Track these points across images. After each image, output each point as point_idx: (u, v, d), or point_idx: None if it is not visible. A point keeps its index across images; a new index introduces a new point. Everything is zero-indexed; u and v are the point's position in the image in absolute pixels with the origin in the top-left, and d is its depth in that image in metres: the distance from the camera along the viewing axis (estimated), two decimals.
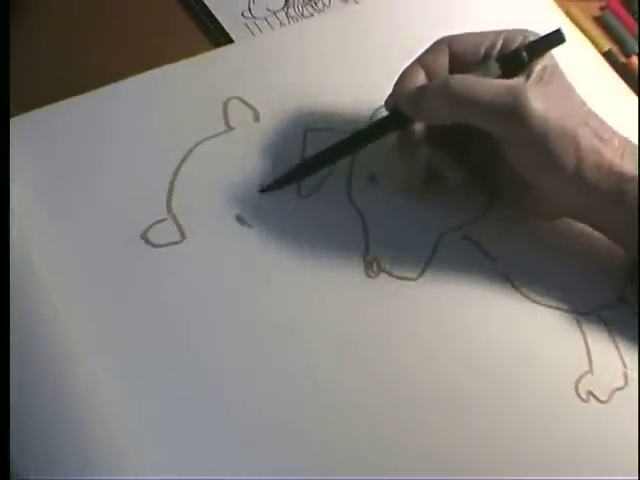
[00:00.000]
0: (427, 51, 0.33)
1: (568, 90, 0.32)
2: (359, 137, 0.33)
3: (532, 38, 0.32)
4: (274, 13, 0.40)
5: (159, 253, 0.30)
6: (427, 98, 0.30)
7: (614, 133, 0.31)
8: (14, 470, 0.24)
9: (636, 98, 0.44)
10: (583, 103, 0.32)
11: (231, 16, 0.39)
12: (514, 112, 0.29)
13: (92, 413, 0.26)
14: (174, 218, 0.31)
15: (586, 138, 0.30)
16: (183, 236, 0.31)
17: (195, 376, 0.28)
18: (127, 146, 0.32)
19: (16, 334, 0.26)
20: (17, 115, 0.32)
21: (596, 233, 0.34)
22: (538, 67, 0.31)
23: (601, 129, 0.31)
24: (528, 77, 0.30)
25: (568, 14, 0.46)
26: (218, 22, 0.39)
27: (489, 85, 0.30)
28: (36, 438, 0.25)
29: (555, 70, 0.31)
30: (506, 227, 0.35)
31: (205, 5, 0.39)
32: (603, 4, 0.49)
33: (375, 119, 0.36)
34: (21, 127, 0.31)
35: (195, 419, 0.27)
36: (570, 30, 0.45)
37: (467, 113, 0.30)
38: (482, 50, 0.32)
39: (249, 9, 0.40)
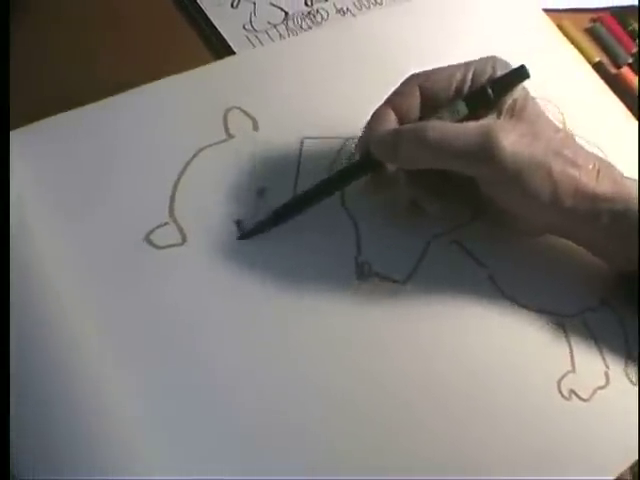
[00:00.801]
0: (396, 92, 0.33)
1: (540, 122, 0.32)
2: (329, 184, 0.33)
3: (500, 69, 0.32)
4: (274, 26, 0.42)
5: (161, 254, 0.31)
6: (402, 146, 0.30)
7: (589, 156, 0.32)
8: (14, 470, 0.24)
9: (624, 108, 0.45)
10: (557, 130, 0.33)
11: (233, 29, 0.40)
12: (486, 154, 0.29)
13: (93, 413, 0.26)
14: (176, 222, 0.32)
15: (559, 167, 0.30)
16: (184, 239, 0.32)
17: (194, 373, 0.29)
18: (132, 153, 0.33)
19: (19, 332, 0.26)
20: (19, 122, 0.32)
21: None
22: (508, 102, 0.31)
23: (575, 155, 0.31)
24: (499, 114, 0.31)
25: (560, 26, 0.47)
26: (220, 34, 0.40)
27: (462, 130, 0.30)
28: (36, 438, 0.25)
29: (526, 102, 0.32)
30: (494, 233, 0.36)
31: (208, 18, 0.41)
32: (594, 16, 0.51)
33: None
34: (29, 136, 0.32)
35: (195, 418, 0.28)
36: (561, 42, 0.46)
37: (442, 160, 0.31)
38: (453, 85, 0.32)
39: (250, 22, 0.41)
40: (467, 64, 0.32)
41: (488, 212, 0.35)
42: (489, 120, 0.31)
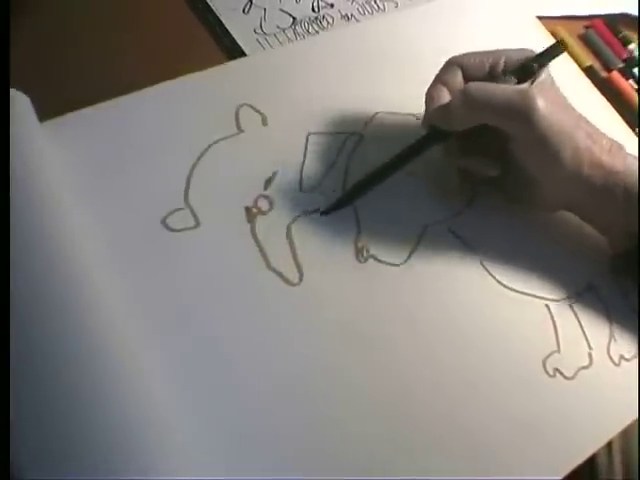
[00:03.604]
0: (443, 71, 0.37)
1: (563, 98, 0.36)
2: (404, 156, 0.37)
3: (529, 54, 0.36)
4: (283, 30, 0.44)
5: (176, 237, 0.33)
6: (452, 106, 0.35)
7: (602, 134, 0.35)
8: (14, 470, 0.24)
9: (613, 110, 0.47)
10: (574, 110, 0.36)
11: (244, 32, 0.43)
12: (523, 111, 0.33)
13: (98, 410, 0.26)
14: (190, 207, 0.34)
15: (581, 138, 0.34)
16: (198, 223, 0.34)
17: (207, 354, 0.31)
18: (151, 145, 0.36)
19: (22, 326, 0.27)
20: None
21: (565, 227, 0.38)
22: (540, 77, 0.35)
23: (592, 131, 0.35)
24: (532, 83, 0.35)
25: (553, 33, 0.50)
26: (233, 37, 0.43)
27: (502, 89, 0.34)
28: (36, 438, 0.25)
29: (552, 81, 0.36)
30: (486, 221, 0.39)
31: (221, 22, 0.43)
32: (587, 23, 0.53)
33: (372, 125, 0.40)
34: (58, 128, 0.35)
35: (207, 404, 0.30)
36: None
37: (484, 115, 0.34)
38: (487, 67, 0.36)
39: (261, 26, 0.44)
40: (501, 50, 0.37)
41: (512, 190, 0.38)
42: (526, 86, 0.35)
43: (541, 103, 0.33)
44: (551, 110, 0.33)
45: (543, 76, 0.35)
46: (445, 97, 0.36)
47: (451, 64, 0.37)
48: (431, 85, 0.37)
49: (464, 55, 0.37)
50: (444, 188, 0.39)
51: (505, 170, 0.37)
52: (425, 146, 0.37)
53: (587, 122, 0.35)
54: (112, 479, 0.25)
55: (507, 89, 0.34)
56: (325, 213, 0.36)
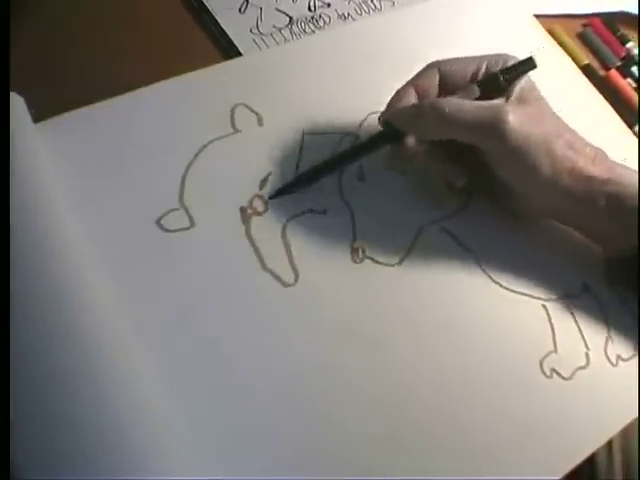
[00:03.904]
0: (419, 74, 0.36)
1: (544, 108, 0.35)
2: (355, 151, 0.37)
3: (510, 62, 0.35)
4: (279, 30, 0.44)
5: (171, 237, 0.33)
6: (421, 118, 0.34)
7: (586, 143, 0.35)
8: (14, 470, 0.24)
9: (612, 109, 0.47)
10: (558, 118, 0.35)
11: (240, 32, 0.43)
12: (494, 128, 0.33)
13: (97, 410, 0.26)
14: (185, 207, 0.34)
15: (560, 149, 0.34)
16: (193, 223, 0.34)
17: (203, 354, 0.31)
18: (146, 145, 0.36)
19: (22, 324, 0.27)
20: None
21: (562, 228, 0.38)
22: (516, 89, 0.34)
23: (574, 140, 0.34)
24: (507, 98, 0.34)
25: (550, 31, 0.50)
26: (229, 37, 0.42)
27: (473, 105, 0.33)
28: (36, 438, 0.25)
29: (532, 91, 0.35)
30: (482, 222, 0.38)
31: (218, 22, 0.43)
32: (585, 22, 0.53)
33: (366, 125, 0.40)
34: (53, 128, 0.35)
35: (205, 404, 0.30)
36: (551, 46, 0.49)
37: (454, 131, 0.34)
38: (469, 74, 0.36)
39: (257, 26, 0.44)
40: (482, 57, 0.36)
41: (492, 197, 0.38)
42: (499, 101, 0.34)
43: (512, 118, 0.33)
44: (523, 123, 0.33)
45: (522, 84, 0.35)
46: (411, 99, 0.35)
47: (431, 68, 0.36)
48: (403, 86, 0.36)
49: (446, 61, 0.36)
50: (431, 191, 0.38)
51: (490, 180, 0.36)
52: (377, 145, 0.36)
53: (569, 130, 0.35)
54: (111, 479, 0.25)
55: (478, 106, 0.33)
56: (272, 197, 0.36)
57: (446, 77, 0.36)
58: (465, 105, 0.33)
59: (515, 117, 0.33)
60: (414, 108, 0.34)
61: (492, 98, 0.34)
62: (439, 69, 0.36)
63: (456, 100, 0.34)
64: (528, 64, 0.35)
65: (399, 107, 0.35)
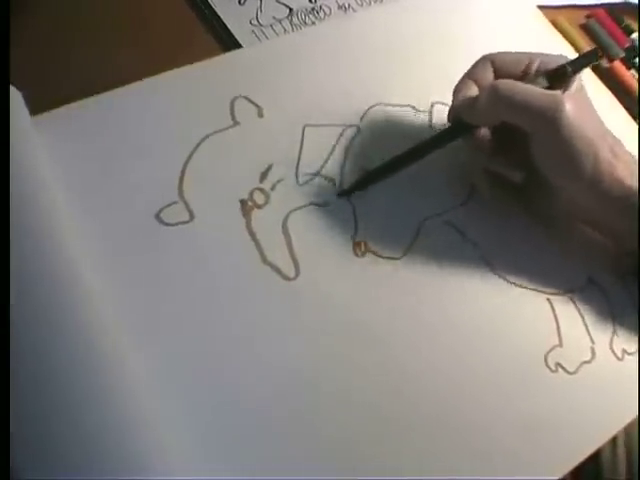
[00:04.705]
0: (474, 66, 0.37)
1: (591, 107, 0.35)
2: (424, 147, 0.37)
3: (563, 61, 0.35)
4: (279, 21, 0.43)
5: (170, 231, 0.33)
6: (479, 100, 0.34)
7: (625, 151, 0.35)
8: (14, 470, 0.24)
9: (615, 100, 0.47)
10: (600, 119, 0.35)
11: (240, 23, 0.42)
12: (550, 112, 0.32)
13: (98, 409, 0.26)
14: (184, 201, 0.34)
15: (603, 150, 0.33)
16: (192, 217, 0.34)
17: (203, 347, 0.31)
18: (145, 138, 0.35)
19: (23, 320, 0.27)
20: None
21: (569, 221, 0.38)
22: (574, 82, 0.35)
23: (616, 145, 0.34)
24: (565, 90, 0.34)
25: (554, 22, 0.49)
26: (228, 29, 0.42)
27: (531, 89, 0.34)
28: (36, 438, 0.25)
29: (584, 90, 0.36)
30: (486, 215, 0.38)
31: (217, 14, 0.42)
32: (589, 13, 0.52)
33: (368, 116, 0.40)
34: (51, 122, 0.34)
35: (204, 396, 0.29)
36: (554, 37, 0.48)
37: (510, 112, 0.34)
38: (522, 67, 0.36)
39: (257, 17, 0.43)
40: (535, 53, 0.36)
41: (531, 196, 0.37)
42: (558, 91, 0.34)
43: (569, 107, 0.32)
44: (578, 115, 0.33)
45: (576, 84, 0.35)
46: (473, 91, 0.36)
47: (484, 60, 0.36)
48: (460, 79, 0.37)
49: (499, 53, 0.36)
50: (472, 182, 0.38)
51: (528, 178, 0.36)
52: (448, 139, 0.37)
53: (613, 137, 0.35)
54: (110, 479, 0.25)
55: (536, 90, 0.33)
56: (341, 195, 0.36)
57: (500, 70, 0.36)
58: (524, 88, 0.34)
59: (572, 109, 0.33)
60: (474, 97, 0.35)
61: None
62: (492, 62, 0.36)
63: (514, 82, 0.34)
64: (593, 55, 0.35)
65: (463, 99, 0.35)
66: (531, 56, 0.36)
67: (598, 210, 0.35)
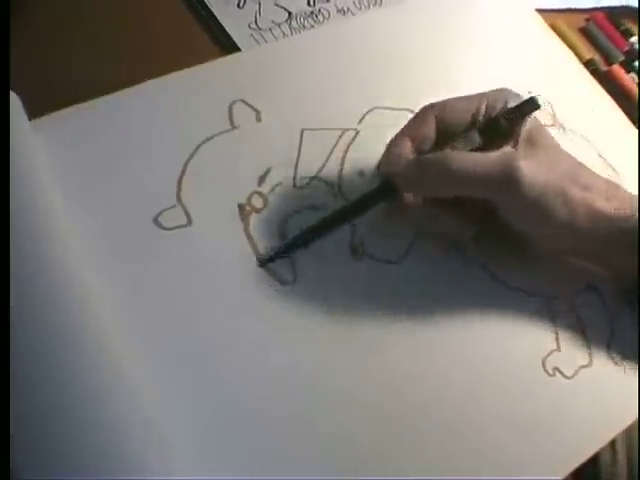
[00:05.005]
0: (413, 121, 0.34)
1: (555, 149, 0.33)
2: (348, 211, 0.35)
3: (512, 101, 0.33)
4: (278, 25, 0.43)
5: (168, 235, 0.33)
6: (427, 176, 0.32)
7: (597, 178, 0.33)
8: (14, 470, 0.24)
9: (615, 105, 0.47)
10: (569, 157, 0.34)
11: (239, 27, 0.42)
12: (507, 182, 0.31)
13: (93, 411, 0.26)
14: (182, 205, 0.34)
15: (576, 194, 0.32)
16: (190, 221, 0.34)
17: (200, 349, 0.31)
18: (143, 142, 0.35)
19: (22, 322, 0.27)
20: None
21: None
22: (523, 132, 0.32)
23: (587, 180, 0.32)
24: (515, 144, 0.32)
25: (553, 26, 0.49)
26: (227, 32, 0.42)
27: (483, 159, 0.31)
28: (36, 438, 0.25)
29: (540, 132, 0.33)
30: None
31: (216, 17, 0.42)
32: (588, 16, 0.52)
33: (367, 120, 0.39)
34: (49, 126, 0.34)
35: (201, 398, 0.29)
36: (553, 40, 0.48)
37: (465, 188, 0.32)
38: (468, 115, 0.33)
39: (255, 21, 0.43)
40: (480, 96, 0.34)
41: (501, 240, 0.36)
42: (508, 150, 0.32)
43: (525, 168, 0.31)
44: (537, 172, 0.31)
45: (528, 125, 0.32)
46: (408, 151, 0.33)
47: (425, 113, 0.33)
48: (397, 135, 0.34)
49: (441, 104, 0.34)
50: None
51: (499, 226, 0.34)
52: (376, 201, 0.34)
53: (581, 168, 0.33)
54: (110, 479, 0.25)
55: (486, 158, 0.31)
56: (262, 265, 0.33)
57: (443, 121, 0.33)
58: (472, 159, 0.31)
59: (528, 167, 0.31)
60: (418, 165, 0.32)
61: (496, 143, 0.32)
62: (435, 115, 0.33)
63: (462, 154, 0.32)
64: (530, 105, 0.32)
65: (396, 161, 0.33)
66: (475, 100, 0.33)
67: (584, 244, 0.34)
